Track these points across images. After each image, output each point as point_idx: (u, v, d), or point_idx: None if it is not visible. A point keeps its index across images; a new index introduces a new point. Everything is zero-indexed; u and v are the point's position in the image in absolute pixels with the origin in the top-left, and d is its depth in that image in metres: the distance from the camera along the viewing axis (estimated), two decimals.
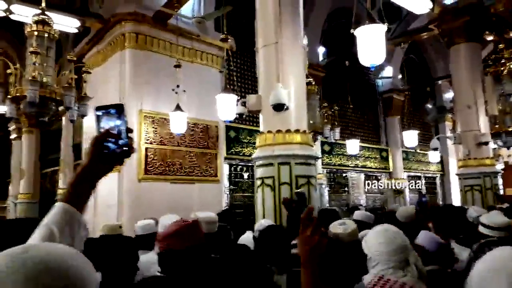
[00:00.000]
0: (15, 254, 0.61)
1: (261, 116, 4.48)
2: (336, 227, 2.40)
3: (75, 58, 4.71)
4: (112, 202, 6.35)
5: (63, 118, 8.78)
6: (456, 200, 11.20)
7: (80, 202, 0.97)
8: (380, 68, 11.78)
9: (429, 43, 12.67)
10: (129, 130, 0.98)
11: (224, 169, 7.63)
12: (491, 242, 2.23)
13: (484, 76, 7.83)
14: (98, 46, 7.36)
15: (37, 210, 10.70)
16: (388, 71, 11.93)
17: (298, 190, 4.09)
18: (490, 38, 8.73)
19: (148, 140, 6.45)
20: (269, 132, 4.25)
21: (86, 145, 7.60)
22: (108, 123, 0.97)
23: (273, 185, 4.04)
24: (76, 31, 6.92)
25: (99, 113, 0.98)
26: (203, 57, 7.35)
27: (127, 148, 0.97)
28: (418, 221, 3.88)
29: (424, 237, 2.58)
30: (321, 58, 10.36)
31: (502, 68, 8.69)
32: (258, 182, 4.25)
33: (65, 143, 9.34)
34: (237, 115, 4.99)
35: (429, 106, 11.24)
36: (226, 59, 6.24)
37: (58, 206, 0.95)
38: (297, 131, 4.21)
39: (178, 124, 6.12)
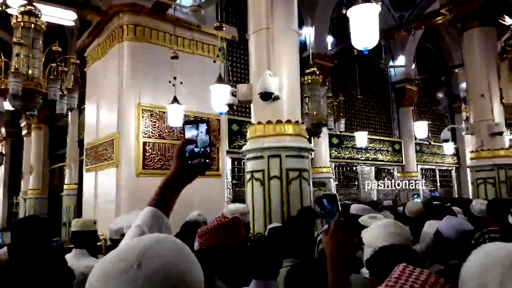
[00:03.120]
0: (157, 240, 0.70)
1: (252, 107, 4.25)
2: (367, 221, 2.53)
3: (60, 49, 4.56)
4: (111, 197, 6.24)
5: (69, 113, 8.72)
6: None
7: (167, 207, 1.07)
8: (392, 57, 11.37)
9: (446, 31, 12.15)
10: (212, 144, 1.10)
11: (227, 163, 7.43)
12: (490, 231, 2.07)
13: (500, 63, 7.34)
14: (98, 39, 7.24)
15: (46, 205, 10.76)
16: (401, 60, 11.48)
17: (325, 193, 3.94)
18: (507, 22, 8.23)
19: (146, 134, 6.30)
20: (259, 123, 4.02)
21: (87, 140, 7.50)
22: (193, 135, 1.09)
23: (262, 179, 3.82)
24: (73, 23, 6.81)
25: (188, 126, 1.11)
26: (204, 48, 7.14)
27: (208, 160, 1.08)
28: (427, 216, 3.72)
29: (445, 224, 2.33)
30: (329, 47, 10.02)
31: None
32: (248, 176, 4.03)
33: (71, 139, 9.33)
34: (229, 106, 4.75)
35: (440, 95, 10.75)
36: (219, 48, 6.00)
37: (147, 209, 1.05)
38: (288, 121, 3.96)
39: (175, 117, 5.95)
